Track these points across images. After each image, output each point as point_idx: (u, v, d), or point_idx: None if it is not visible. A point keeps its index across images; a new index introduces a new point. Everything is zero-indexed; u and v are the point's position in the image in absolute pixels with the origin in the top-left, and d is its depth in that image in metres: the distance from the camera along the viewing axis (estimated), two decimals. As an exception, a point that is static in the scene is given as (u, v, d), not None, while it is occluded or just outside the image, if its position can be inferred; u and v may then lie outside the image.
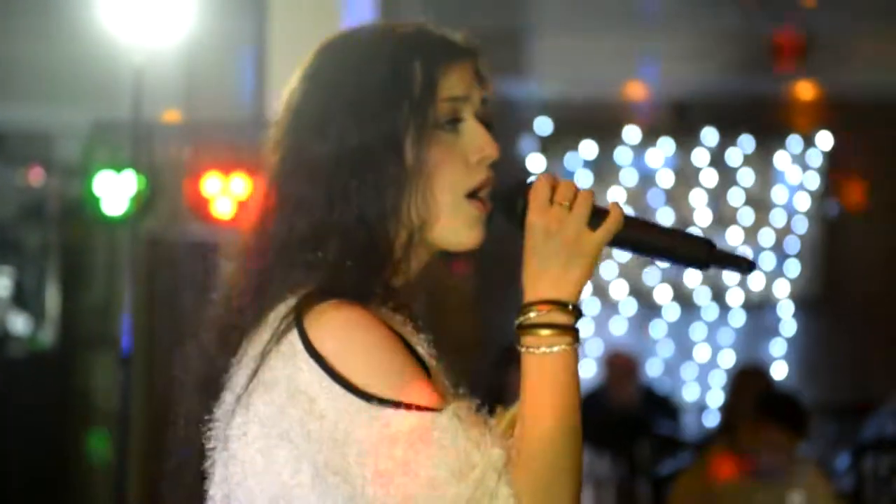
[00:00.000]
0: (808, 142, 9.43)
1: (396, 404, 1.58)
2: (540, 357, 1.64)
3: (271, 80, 5.18)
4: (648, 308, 9.48)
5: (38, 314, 8.54)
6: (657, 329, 9.54)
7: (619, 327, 9.50)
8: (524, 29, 8.79)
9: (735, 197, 9.44)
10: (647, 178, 9.45)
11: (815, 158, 9.43)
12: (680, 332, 9.52)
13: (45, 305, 8.48)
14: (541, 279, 1.66)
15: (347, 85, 1.72)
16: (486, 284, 8.68)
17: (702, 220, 9.43)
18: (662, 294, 9.47)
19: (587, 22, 8.56)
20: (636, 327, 9.49)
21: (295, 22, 5.15)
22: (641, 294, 9.47)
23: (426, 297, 1.84)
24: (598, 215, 1.67)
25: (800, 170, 9.43)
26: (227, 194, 5.93)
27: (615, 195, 9.43)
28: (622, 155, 9.46)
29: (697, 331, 9.53)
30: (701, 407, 9.18)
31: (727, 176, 9.42)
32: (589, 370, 9.22)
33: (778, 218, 9.43)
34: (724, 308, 9.51)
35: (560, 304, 1.65)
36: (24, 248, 8.73)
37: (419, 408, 1.59)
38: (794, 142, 9.43)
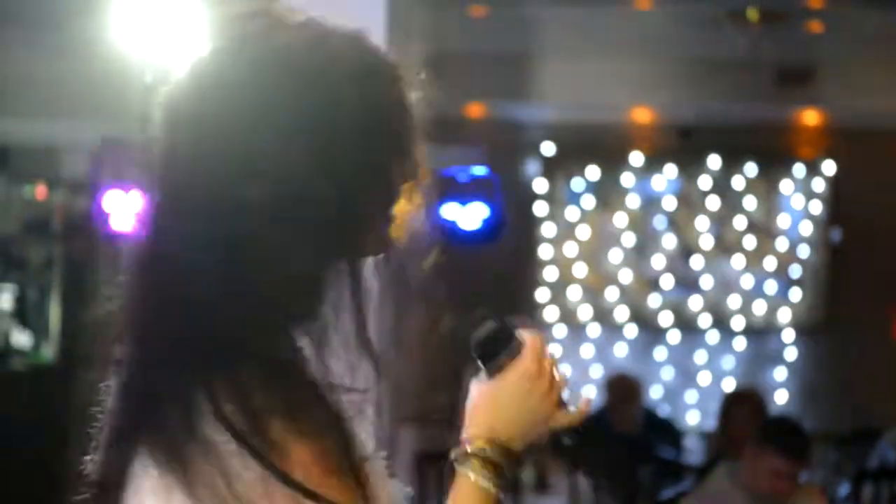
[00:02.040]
0: (813, 168, 9.45)
1: (315, 496, 1.44)
2: (484, 489, 1.62)
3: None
4: (651, 332, 9.51)
5: (41, 329, 8.56)
6: (659, 353, 9.55)
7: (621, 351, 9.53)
8: (530, 53, 8.82)
9: (739, 223, 9.46)
10: (651, 202, 9.48)
11: (819, 185, 9.46)
12: (682, 356, 9.54)
13: (48, 321, 8.49)
14: (507, 422, 1.64)
15: (304, 115, 1.47)
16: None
17: (705, 245, 9.46)
18: (665, 318, 9.49)
19: (593, 46, 8.58)
20: (638, 352, 9.51)
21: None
22: (644, 318, 9.50)
23: None
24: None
25: (804, 196, 9.46)
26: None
27: (619, 219, 9.47)
28: (626, 179, 9.50)
29: (699, 356, 9.55)
30: (702, 432, 9.17)
31: (731, 202, 9.45)
32: (591, 393, 9.25)
33: (781, 244, 9.45)
34: (727, 333, 9.52)
35: (514, 454, 1.64)
36: (27, 264, 8.75)
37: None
38: (799, 168, 9.46)
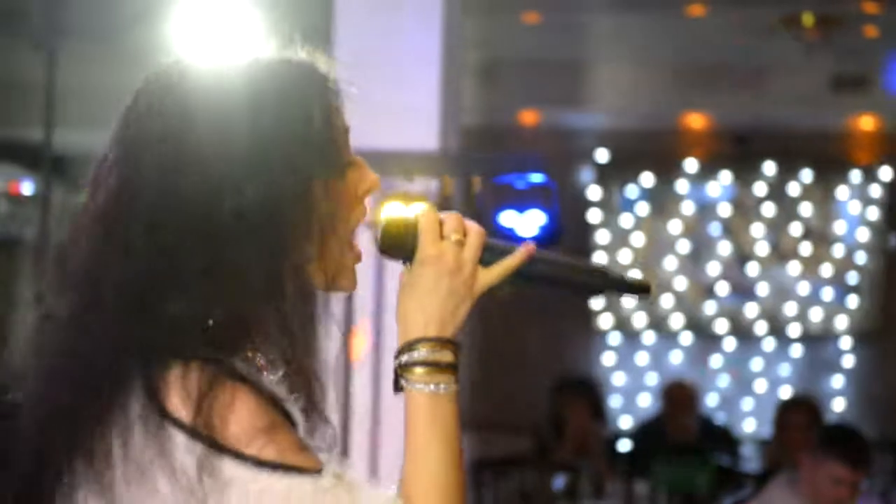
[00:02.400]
0: (869, 174, 9.40)
1: (274, 465, 1.48)
2: (431, 396, 1.58)
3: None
4: (707, 340, 9.50)
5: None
6: (715, 361, 9.53)
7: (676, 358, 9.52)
8: (583, 59, 8.81)
9: (795, 229, 9.42)
10: (705, 209, 9.45)
11: (876, 191, 9.40)
12: (738, 364, 9.51)
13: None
14: (429, 316, 1.60)
15: (244, 127, 1.55)
16: (544, 320, 8.72)
17: (761, 251, 9.42)
18: (720, 325, 9.46)
19: (646, 53, 8.57)
20: (694, 359, 9.49)
21: (362, 55, 5.21)
22: (699, 325, 9.48)
23: None
24: (487, 251, 1.64)
25: (860, 203, 9.41)
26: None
27: (674, 226, 9.46)
28: (681, 186, 9.48)
29: (756, 363, 9.51)
30: (758, 440, 9.13)
31: (787, 208, 9.41)
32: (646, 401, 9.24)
33: (838, 250, 9.40)
34: (784, 341, 9.48)
35: (449, 343, 1.60)
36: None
37: (299, 469, 1.49)
38: (855, 175, 9.41)
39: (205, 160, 1.54)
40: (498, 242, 1.65)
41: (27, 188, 9.01)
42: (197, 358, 1.50)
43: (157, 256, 1.52)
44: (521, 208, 4.78)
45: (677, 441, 7.57)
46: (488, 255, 1.63)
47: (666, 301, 9.45)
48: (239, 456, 1.46)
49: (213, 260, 1.52)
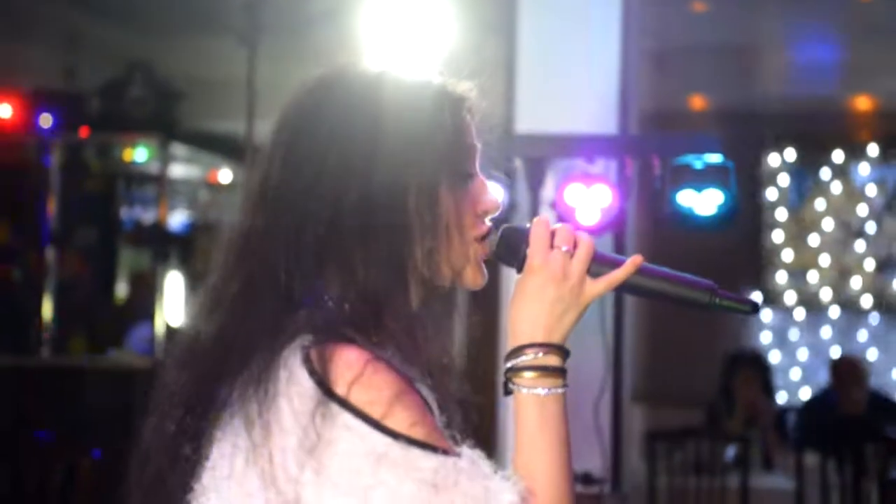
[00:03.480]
0: None
1: (423, 445, 1.55)
2: (541, 398, 1.65)
3: (519, 99, 5.47)
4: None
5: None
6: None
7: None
8: (751, 44, 8.90)
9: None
10: (885, 189, 9.50)
11: None
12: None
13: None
14: (536, 322, 1.67)
15: (382, 128, 1.66)
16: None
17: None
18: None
19: (814, 36, 8.62)
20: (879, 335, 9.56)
21: (544, 44, 5.44)
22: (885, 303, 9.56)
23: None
24: (596, 262, 1.71)
25: None
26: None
27: (857, 207, 9.52)
28: (863, 167, 9.55)
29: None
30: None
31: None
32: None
33: None
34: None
35: (556, 348, 1.67)
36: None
37: (445, 451, 1.56)
38: None
39: (340, 152, 1.65)
40: (606, 254, 1.72)
41: (225, 176, 9.47)
42: (340, 336, 1.59)
43: (298, 238, 1.64)
44: (699, 188, 4.92)
45: (847, 414, 7.65)
46: (597, 267, 1.70)
47: (855, 283, 9.56)
48: (390, 433, 1.53)
49: (342, 245, 1.63)
